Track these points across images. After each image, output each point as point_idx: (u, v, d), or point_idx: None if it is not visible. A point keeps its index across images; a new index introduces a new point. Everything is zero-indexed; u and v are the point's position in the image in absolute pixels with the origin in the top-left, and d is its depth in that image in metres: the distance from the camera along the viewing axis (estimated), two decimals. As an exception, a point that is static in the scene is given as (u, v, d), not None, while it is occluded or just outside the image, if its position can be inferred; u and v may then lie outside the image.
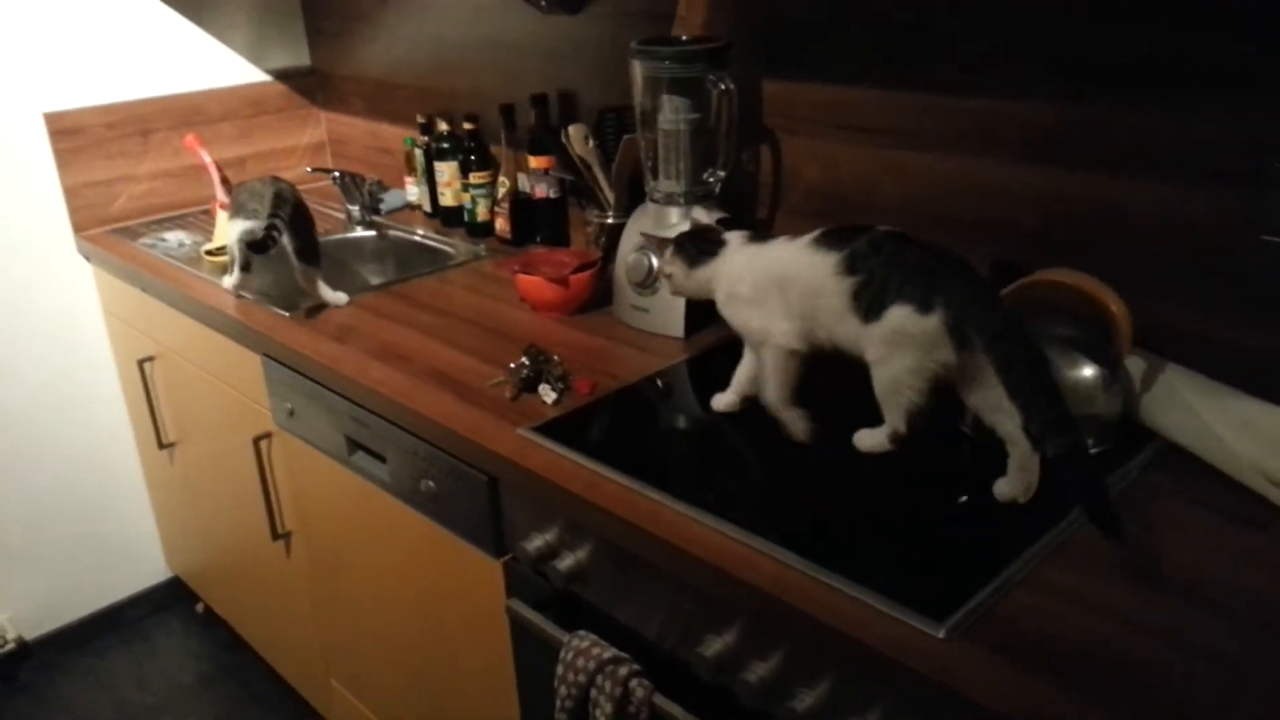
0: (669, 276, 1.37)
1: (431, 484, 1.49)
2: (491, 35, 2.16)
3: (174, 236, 2.30)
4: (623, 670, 1.18)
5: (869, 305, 1.14)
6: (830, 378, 1.21)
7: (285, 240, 1.78)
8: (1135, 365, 1.25)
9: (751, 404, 1.36)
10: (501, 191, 2.10)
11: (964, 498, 1.16)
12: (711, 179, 1.63)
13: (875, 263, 1.15)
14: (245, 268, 1.86)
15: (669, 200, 1.63)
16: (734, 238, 1.34)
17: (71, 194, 2.36)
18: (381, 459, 1.60)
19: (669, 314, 1.62)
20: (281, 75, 2.67)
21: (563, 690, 1.23)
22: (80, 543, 2.55)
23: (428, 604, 1.64)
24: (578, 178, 1.90)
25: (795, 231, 1.27)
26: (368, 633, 1.86)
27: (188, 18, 2.48)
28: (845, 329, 1.18)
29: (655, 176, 1.65)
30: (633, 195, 1.78)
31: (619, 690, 1.17)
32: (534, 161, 2.00)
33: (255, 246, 1.76)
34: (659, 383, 1.49)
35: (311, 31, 2.70)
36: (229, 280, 1.89)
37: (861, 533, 1.13)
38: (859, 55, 1.54)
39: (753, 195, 1.76)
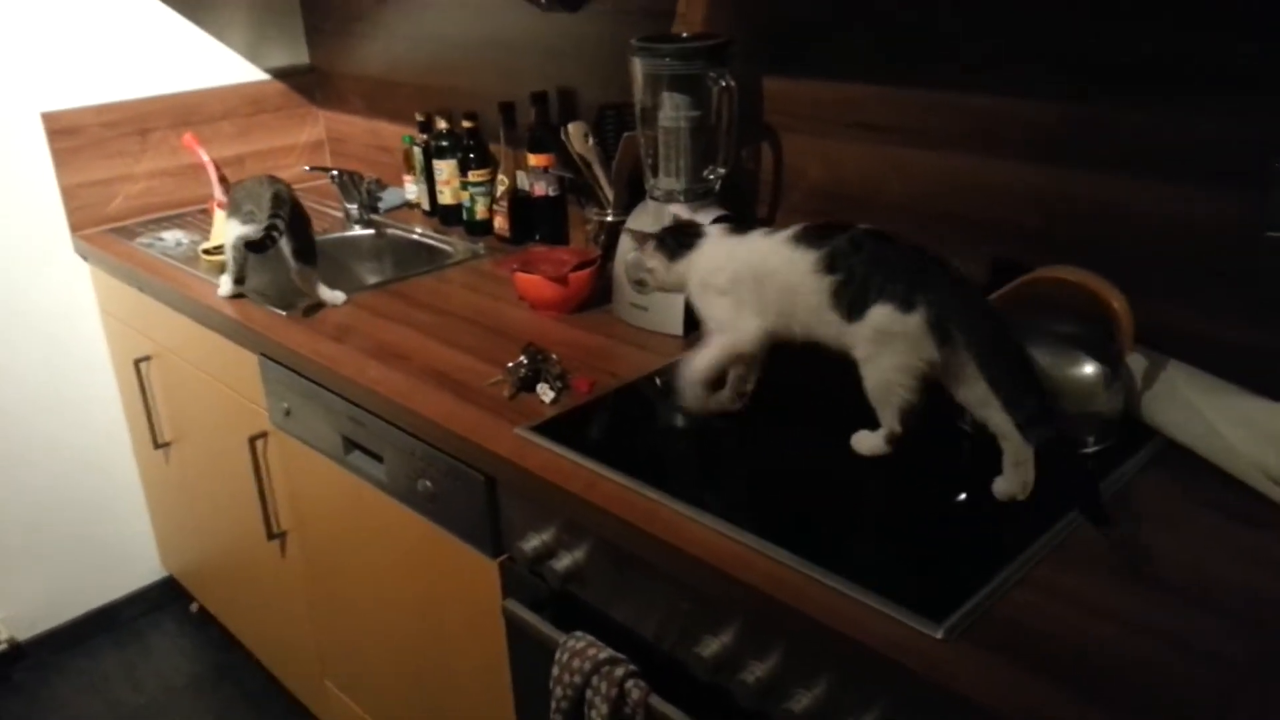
0: (650, 271, 1.37)
1: (429, 484, 1.48)
2: (491, 33, 2.16)
3: (171, 236, 2.29)
4: (619, 671, 1.17)
5: (850, 304, 1.15)
6: (828, 378, 1.20)
7: (282, 241, 1.77)
8: (1136, 362, 1.24)
9: (749, 402, 1.36)
10: (500, 190, 2.10)
11: (962, 496, 1.16)
12: (712, 177, 1.63)
13: (856, 261, 1.15)
14: (239, 280, 1.85)
15: (669, 198, 1.63)
16: (713, 229, 1.34)
17: (69, 193, 2.35)
18: (378, 459, 1.59)
19: (668, 312, 1.61)
20: (280, 74, 2.67)
21: (558, 691, 1.22)
22: (74, 542, 2.54)
23: (424, 604, 1.63)
24: (577, 176, 1.89)
25: (794, 230, 1.27)
26: (363, 633, 1.85)
27: (186, 16, 2.47)
28: (825, 326, 1.19)
29: (655, 174, 1.65)
30: (632, 193, 1.78)
31: (615, 691, 1.16)
32: (533, 159, 1.99)
33: (254, 246, 1.76)
34: (658, 381, 1.48)
35: (310, 30, 2.69)
36: (223, 288, 1.89)
37: (859, 532, 1.12)
38: (862, 54, 1.54)
39: (753, 193, 1.76)
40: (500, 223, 2.12)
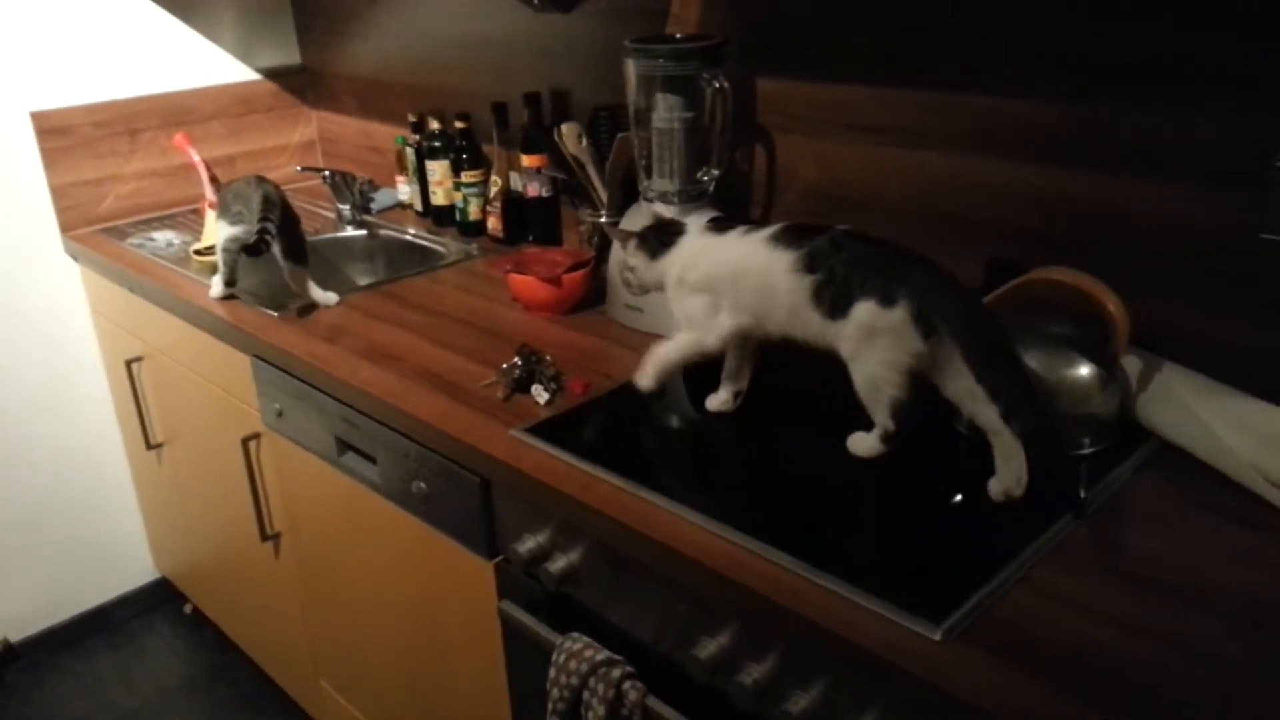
0: (632, 269, 1.38)
1: (423, 485, 1.47)
2: (484, 33, 2.15)
3: (162, 236, 2.28)
4: (616, 672, 1.17)
5: (833, 303, 1.16)
6: (825, 380, 1.20)
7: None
8: (1132, 364, 1.24)
9: (745, 402, 1.36)
10: (493, 190, 2.09)
11: (959, 497, 1.15)
12: (706, 178, 1.62)
13: (837, 261, 1.16)
14: (231, 281, 1.84)
15: (663, 199, 1.62)
16: (693, 227, 1.35)
17: (59, 193, 2.34)
18: (372, 460, 1.59)
19: (662, 313, 1.60)
20: (271, 74, 2.66)
21: (555, 693, 1.22)
22: (67, 543, 2.53)
23: (419, 606, 1.62)
24: (570, 176, 1.89)
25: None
26: (358, 634, 1.85)
27: (176, 16, 2.46)
28: (805, 325, 1.20)
29: (649, 175, 1.64)
30: (626, 194, 1.77)
31: (612, 693, 1.16)
32: (526, 160, 1.98)
33: (249, 249, 1.75)
34: (652, 383, 1.48)
35: (301, 29, 2.68)
36: (215, 290, 1.88)
37: (856, 534, 1.12)
38: (860, 55, 1.53)
39: (747, 194, 1.76)
40: (493, 224, 2.11)
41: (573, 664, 1.20)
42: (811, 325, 1.19)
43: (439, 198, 2.23)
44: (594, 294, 1.74)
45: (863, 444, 1.22)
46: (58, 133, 2.31)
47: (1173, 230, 1.27)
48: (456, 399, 1.45)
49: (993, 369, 1.08)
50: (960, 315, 1.10)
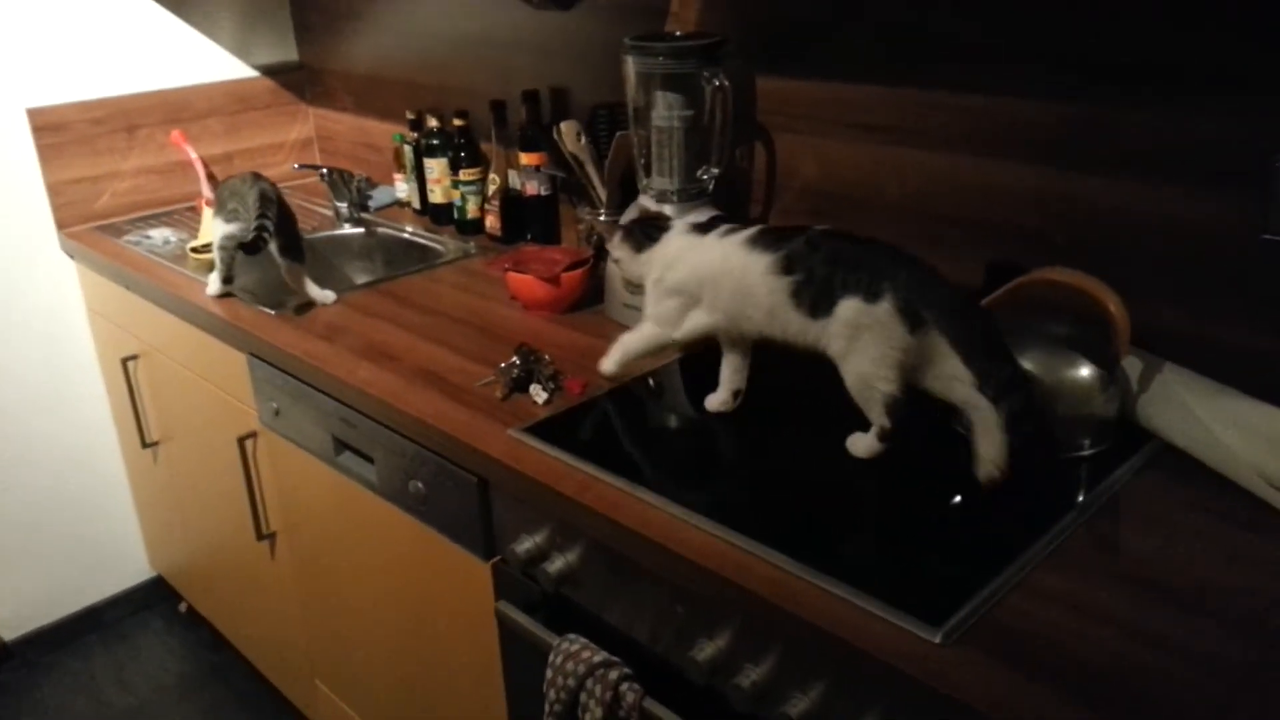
0: (617, 261, 1.41)
1: (420, 485, 1.47)
2: (482, 30, 2.15)
3: (159, 234, 2.27)
4: (613, 674, 1.16)
5: (814, 302, 1.17)
6: (825, 381, 1.20)
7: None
8: (1132, 365, 1.24)
9: (744, 403, 1.35)
10: (492, 188, 2.08)
11: (958, 498, 1.15)
12: (705, 176, 1.62)
13: (815, 260, 1.17)
14: (228, 279, 1.83)
15: (662, 198, 1.62)
16: (677, 225, 1.37)
17: (55, 191, 2.33)
18: (369, 459, 1.58)
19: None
20: (269, 71, 2.65)
21: (552, 694, 1.21)
22: (62, 542, 2.52)
23: (416, 606, 1.62)
24: (569, 175, 1.88)
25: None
26: (354, 634, 1.84)
27: (173, 12, 2.45)
28: (786, 325, 1.21)
29: (648, 174, 1.64)
30: (625, 193, 1.77)
31: (609, 694, 1.15)
32: (525, 158, 1.98)
33: (247, 248, 1.74)
34: (651, 382, 1.48)
35: (299, 26, 2.67)
36: (211, 287, 1.87)
37: (856, 536, 1.11)
38: (860, 54, 1.53)
39: (747, 193, 1.75)
40: (492, 222, 2.11)
41: (570, 665, 1.19)
42: (791, 325, 1.20)
43: (437, 196, 2.22)
44: (592, 293, 1.74)
45: (861, 444, 1.21)
46: (54, 129, 2.30)
47: (1173, 231, 1.26)
48: (454, 398, 1.44)
49: (981, 356, 1.09)
50: (946, 306, 1.11)
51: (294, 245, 1.80)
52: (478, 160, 2.13)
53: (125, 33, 2.39)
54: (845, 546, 1.08)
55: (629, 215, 1.66)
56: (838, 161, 1.61)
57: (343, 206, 2.30)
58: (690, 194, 1.61)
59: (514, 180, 2.04)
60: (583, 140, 1.82)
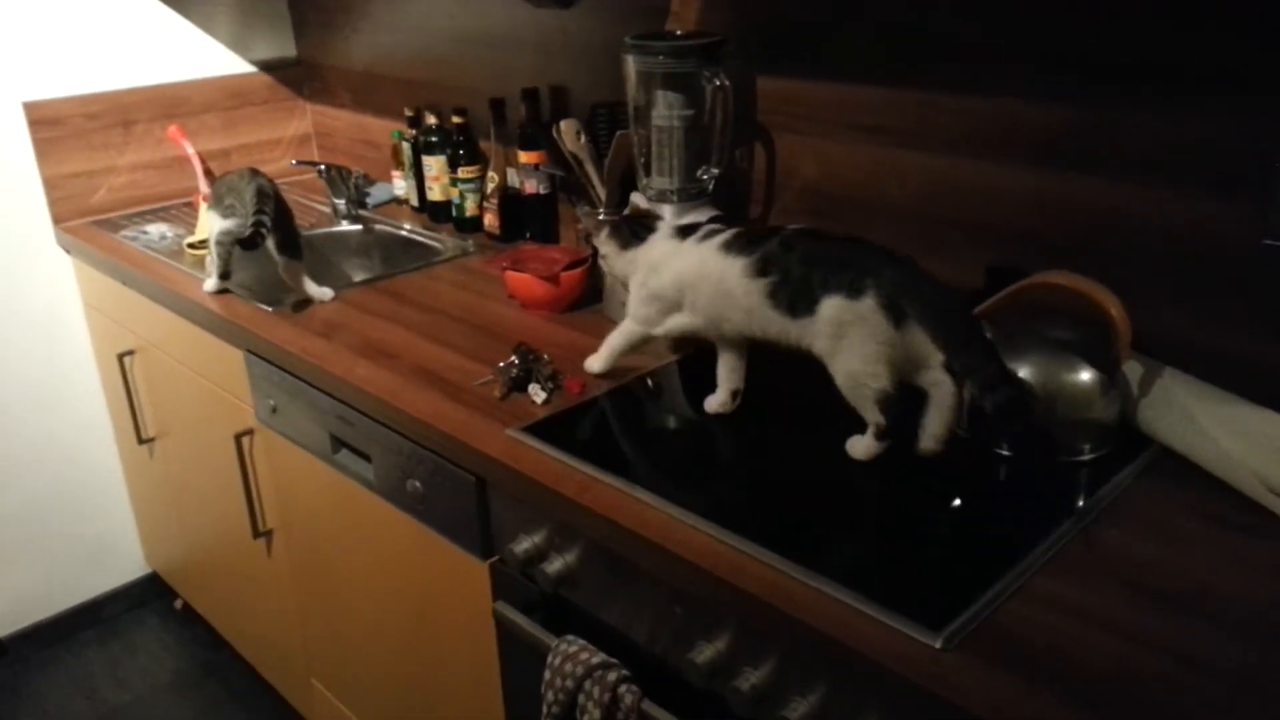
0: (603, 258, 1.42)
1: (418, 484, 1.46)
2: (482, 28, 2.14)
3: (156, 229, 2.26)
4: (611, 676, 1.16)
5: (792, 302, 1.18)
6: (824, 382, 1.19)
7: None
8: (1133, 369, 1.24)
9: (743, 404, 1.35)
10: (490, 187, 2.08)
11: (958, 502, 1.15)
12: (705, 176, 1.61)
13: (790, 261, 1.19)
14: (225, 275, 1.83)
15: (662, 197, 1.61)
16: (661, 228, 1.38)
17: (51, 185, 2.32)
18: (366, 458, 1.58)
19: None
20: (266, 66, 2.64)
21: (550, 695, 1.21)
22: (57, 538, 2.51)
23: (413, 605, 1.61)
24: (568, 174, 1.87)
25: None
26: (351, 633, 1.84)
27: (171, 7, 2.44)
28: (764, 325, 1.22)
29: (648, 173, 1.63)
30: (625, 192, 1.76)
31: (608, 696, 1.15)
32: (524, 156, 1.97)
33: (245, 243, 1.74)
34: (650, 383, 1.47)
35: (297, 22, 2.66)
36: (208, 283, 1.87)
37: (856, 538, 1.11)
38: (861, 54, 1.53)
39: (747, 193, 1.75)
40: (490, 220, 2.10)
41: (568, 666, 1.19)
42: (772, 326, 1.22)
43: (435, 193, 2.22)
44: (591, 292, 1.74)
45: (860, 446, 1.21)
46: (50, 123, 2.29)
47: (1175, 234, 1.26)
48: (452, 397, 1.44)
49: (964, 349, 1.11)
50: (928, 300, 1.12)
51: (291, 242, 1.80)
52: (476, 158, 2.13)
53: (123, 27, 2.38)
54: (845, 549, 1.08)
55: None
56: (838, 162, 1.60)
57: (340, 203, 2.29)
58: (690, 194, 1.61)
59: (513, 178, 2.04)
60: (582, 139, 1.81)
